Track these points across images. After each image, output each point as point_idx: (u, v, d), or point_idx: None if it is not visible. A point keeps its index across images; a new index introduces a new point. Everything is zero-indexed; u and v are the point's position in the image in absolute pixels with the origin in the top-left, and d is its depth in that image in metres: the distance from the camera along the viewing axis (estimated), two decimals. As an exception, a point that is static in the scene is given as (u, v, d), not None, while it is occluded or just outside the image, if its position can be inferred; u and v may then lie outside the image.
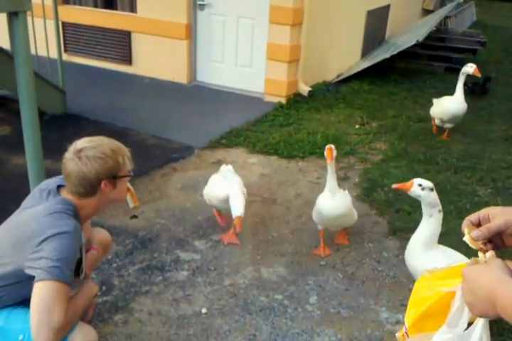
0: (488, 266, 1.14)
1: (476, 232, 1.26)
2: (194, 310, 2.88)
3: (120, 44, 7.02)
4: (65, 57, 6.57)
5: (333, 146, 3.15)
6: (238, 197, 3.24)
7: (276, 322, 2.82)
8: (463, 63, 8.06)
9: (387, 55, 6.85)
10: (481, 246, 1.26)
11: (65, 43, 7.16)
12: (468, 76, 5.19)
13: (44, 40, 4.88)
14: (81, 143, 2.03)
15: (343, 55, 7.44)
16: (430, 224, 2.71)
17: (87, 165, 1.96)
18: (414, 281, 3.12)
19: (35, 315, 1.81)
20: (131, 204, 2.40)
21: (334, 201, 3.29)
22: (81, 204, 2.04)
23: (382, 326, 2.81)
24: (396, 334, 1.94)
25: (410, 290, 3.03)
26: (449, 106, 5.19)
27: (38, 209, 1.98)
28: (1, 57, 4.32)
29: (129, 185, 2.25)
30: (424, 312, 1.48)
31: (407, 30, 8.55)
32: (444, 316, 1.34)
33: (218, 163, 4.67)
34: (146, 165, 4.46)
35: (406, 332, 1.58)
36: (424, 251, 2.69)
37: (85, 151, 1.98)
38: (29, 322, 1.95)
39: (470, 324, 1.33)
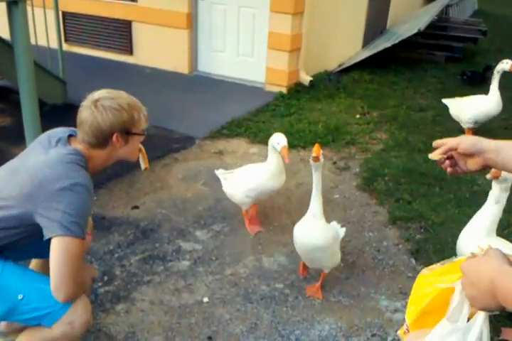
0: (487, 257, 1.14)
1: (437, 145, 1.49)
2: (196, 299, 2.90)
3: (121, 34, 7.00)
4: (66, 47, 6.55)
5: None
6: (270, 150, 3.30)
7: (277, 310, 2.84)
8: (464, 52, 8.09)
9: (388, 44, 6.82)
10: (440, 157, 1.48)
11: (65, 33, 7.14)
12: (467, 65, 5.12)
13: (44, 29, 4.86)
14: (99, 93, 2.03)
15: (345, 45, 7.41)
16: (494, 210, 2.60)
17: (102, 114, 1.95)
18: (413, 269, 3.17)
19: (59, 269, 1.84)
20: (142, 166, 2.38)
21: (313, 228, 2.75)
22: (90, 154, 2.03)
23: (382, 314, 2.84)
24: (397, 332, 1.95)
25: (409, 278, 3.09)
26: (490, 107, 4.76)
27: (50, 156, 1.96)
28: (0, 47, 4.31)
29: (141, 146, 2.21)
30: (424, 309, 1.48)
31: (409, 19, 8.51)
32: (444, 312, 1.34)
33: (219, 153, 4.69)
34: (147, 155, 4.44)
35: (407, 329, 1.58)
36: (484, 238, 2.58)
37: (102, 101, 1.97)
38: (28, 281, 1.98)
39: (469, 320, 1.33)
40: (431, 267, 1.58)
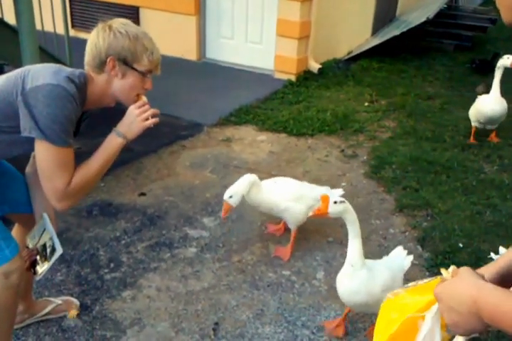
0: (459, 277, 1.06)
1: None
2: (202, 285, 2.91)
3: (128, 19, 6.95)
4: (72, 32, 6.52)
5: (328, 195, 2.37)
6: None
7: (284, 297, 2.85)
8: (473, 41, 7.99)
9: (397, 33, 6.74)
10: None
11: (72, 19, 7.11)
12: (476, 53, 4.99)
13: (50, 15, 4.84)
14: (118, 19, 2.00)
15: (354, 32, 7.34)
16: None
17: (104, 33, 1.91)
18: (420, 256, 3.16)
19: (43, 172, 1.87)
20: None
21: (353, 281, 2.36)
22: (90, 76, 1.98)
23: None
24: None
25: (415, 265, 3.09)
26: (484, 106, 4.53)
27: (57, 65, 1.98)
28: (6, 32, 4.30)
29: (144, 97, 2.06)
30: (392, 336, 1.35)
31: (418, 7, 8.40)
32: (413, 338, 1.24)
33: (227, 141, 4.68)
34: (154, 143, 4.46)
35: None
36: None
37: (112, 23, 1.94)
38: None
39: None
40: (395, 291, 1.52)
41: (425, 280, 1.40)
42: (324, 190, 3.28)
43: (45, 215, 2.21)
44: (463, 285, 1.03)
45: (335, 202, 2.26)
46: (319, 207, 2.29)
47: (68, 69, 1.94)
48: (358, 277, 2.34)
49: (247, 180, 2.99)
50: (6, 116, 1.87)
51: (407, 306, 1.34)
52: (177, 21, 6.58)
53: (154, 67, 1.99)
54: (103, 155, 1.96)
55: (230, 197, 2.93)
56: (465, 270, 1.07)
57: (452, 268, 1.18)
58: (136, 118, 1.96)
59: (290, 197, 3.11)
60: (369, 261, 2.47)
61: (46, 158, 1.84)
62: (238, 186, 2.97)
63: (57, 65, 1.97)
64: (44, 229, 2.22)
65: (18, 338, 2.52)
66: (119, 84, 1.97)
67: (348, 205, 2.31)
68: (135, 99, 2.01)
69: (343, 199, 2.32)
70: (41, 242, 2.19)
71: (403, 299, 1.39)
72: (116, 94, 1.99)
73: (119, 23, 1.95)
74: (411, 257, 2.65)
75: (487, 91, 5.13)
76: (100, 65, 1.94)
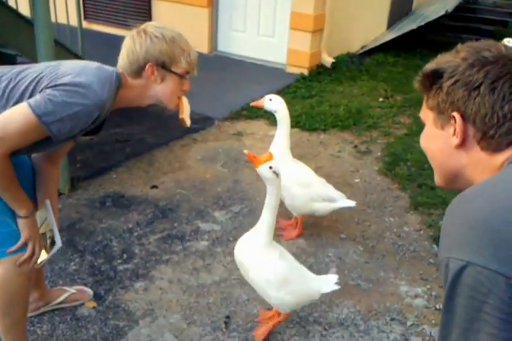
0: None
1: None
2: (213, 279, 2.89)
3: (140, 11, 6.93)
4: (85, 24, 6.49)
5: None
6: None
7: (296, 293, 2.82)
8: (493, 36, 7.89)
9: (414, 26, 6.65)
10: None
11: (84, 10, 7.08)
12: None
13: (64, 7, 4.82)
14: (151, 22, 1.98)
15: (369, 26, 7.26)
16: None
17: (141, 39, 1.88)
18: (435, 255, 3.12)
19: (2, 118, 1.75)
20: (180, 115, 2.16)
21: (248, 240, 2.48)
22: (126, 81, 1.94)
23: (402, 299, 2.80)
24: None
25: (430, 264, 3.05)
26: None
27: (95, 63, 1.94)
28: (20, 23, 4.29)
29: (184, 97, 2.08)
30: None
31: (436, 0, 8.31)
32: None
33: (238, 135, 4.65)
34: (165, 135, 4.44)
35: None
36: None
37: (147, 28, 1.92)
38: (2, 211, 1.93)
39: None
40: None
41: None
42: (337, 193, 3.20)
43: (48, 203, 2.19)
44: None
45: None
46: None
47: (109, 71, 1.89)
48: (255, 239, 2.39)
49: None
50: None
51: None
52: (189, 13, 6.53)
53: (192, 68, 1.98)
54: (14, 197, 1.92)
55: (270, 99, 3.21)
56: None
57: None
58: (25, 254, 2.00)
59: (296, 180, 3.11)
60: (283, 251, 2.50)
61: (22, 124, 1.73)
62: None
63: (98, 65, 1.92)
64: (46, 218, 2.20)
65: (34, 325, 2.52)
66: (159, 88, 1.96)
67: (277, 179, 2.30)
68: (177, 101, 2.04)
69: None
70: (42, 230, 2.16)
71: None
72: (159, 98, 2.00)
73: (154, 26, 1.92)
74: (335, 287, 2.47)
75: None
76: (138, 71, 1.92)
